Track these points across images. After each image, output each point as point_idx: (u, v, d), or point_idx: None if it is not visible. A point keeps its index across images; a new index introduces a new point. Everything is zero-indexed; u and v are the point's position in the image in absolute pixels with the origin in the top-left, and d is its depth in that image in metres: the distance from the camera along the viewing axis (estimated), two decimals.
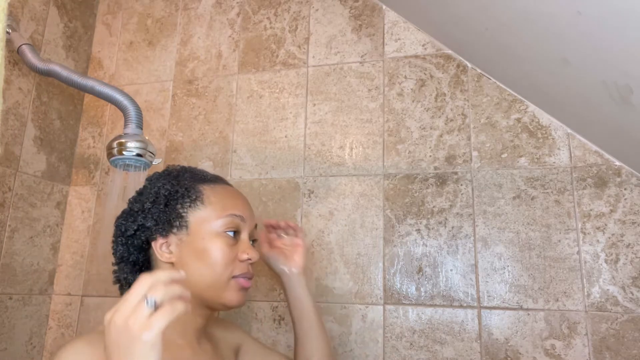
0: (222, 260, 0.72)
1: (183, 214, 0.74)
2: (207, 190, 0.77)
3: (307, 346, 0.87)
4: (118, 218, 0.78)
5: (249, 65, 1.31)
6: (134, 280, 0.70)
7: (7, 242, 1.15)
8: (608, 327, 0.96)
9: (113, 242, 0.77)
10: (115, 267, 0.78)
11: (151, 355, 0.50)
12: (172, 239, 0.74)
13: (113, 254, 0.77)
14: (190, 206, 0.75)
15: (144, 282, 0.53)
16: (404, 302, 1.07)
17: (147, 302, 0.51)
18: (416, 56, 1.19)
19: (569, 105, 1.02)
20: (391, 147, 1.16)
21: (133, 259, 0.76)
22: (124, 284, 0.77)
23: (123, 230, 0.76)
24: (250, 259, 0.75)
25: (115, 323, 0.52)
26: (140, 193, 0.79)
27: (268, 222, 0.95)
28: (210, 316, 0.78)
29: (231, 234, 0.75)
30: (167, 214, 0.74)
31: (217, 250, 0.72)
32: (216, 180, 0.81)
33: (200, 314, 0.75)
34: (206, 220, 0.74)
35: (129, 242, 0.76)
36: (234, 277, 0.74)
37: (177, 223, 0.74)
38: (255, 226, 0.81)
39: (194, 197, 0.75)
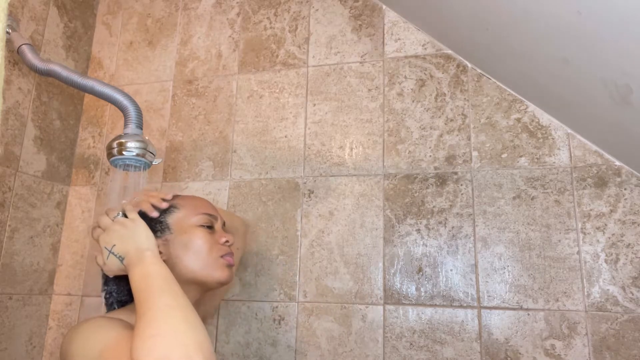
0: (206, 244, 0.84)
1: (162, 220, 0.85)
2: (175, 199, 0.89)
3: None
4: None
5: (249, 65, 1.31)
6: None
7: (7, 242, 1.15)
8: (608, 327, 0.96)
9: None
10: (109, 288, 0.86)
11: (144, 228, 0.78)
12: (159, 242, 0.83)
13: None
14: (166, 212, 0.85)
15: (102, 215, 0.81)
16: (404, 302, 1.07)
17: (118, 215, 0.81)
18: (416, 56, 1.19)
19: (569, 105, 1.02)
20: (391, 147, 1.16)
21: None
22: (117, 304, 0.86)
23: None
24: (228, 241, 0.88)
25: (113, 227, 0.78)
26: None
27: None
28: (199, 299, 0.89)
29: (207, 228, 0.87)
30: (149, 225, 0.83)
31: (199, 238, 0.84)
32: (177, 195, 0.93)
33: (191, 296, 0.84)
34: (184, 218, 0.86)
35: None
36: (221, 256, 0.86)
37: (159, 227, 0.84)
38: (224, 223, 0.93)
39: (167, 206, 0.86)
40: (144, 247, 0.74)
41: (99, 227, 0.80)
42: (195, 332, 0.61)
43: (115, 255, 0.76)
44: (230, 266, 0.87)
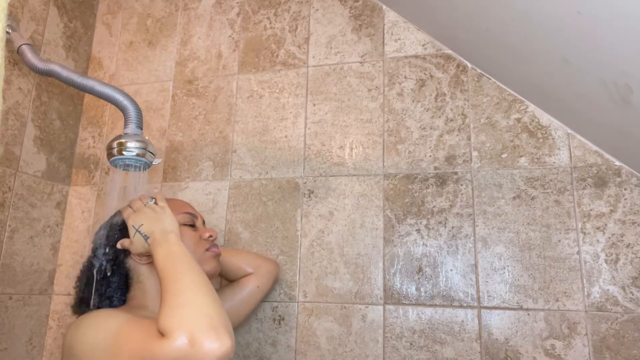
0: (192, 241, 0.89)
1: None
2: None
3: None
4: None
5: (249, 65, 1.31)
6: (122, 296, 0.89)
7: (7, 242, 1.15)
8: (608, 327, 0.96)
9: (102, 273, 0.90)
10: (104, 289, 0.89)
11: (171, 214, 0.85)
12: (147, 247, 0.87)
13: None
14: None
15: (134, 199, 0.89)
16: (404, 302, 1.07)
17: (151, 200, 0.88)
18: (416, 56, 1.19)
19: (569, 105, 1.02)
20: (391, 147, 1.16)
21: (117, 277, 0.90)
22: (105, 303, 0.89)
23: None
24: (211, 236, 0.93)
25: (144, 209, 0.85)
26: (99, 231, 0.93)
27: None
28: None
29: (189, 226, 0.92)
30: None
31: (184, 236, 0.87)
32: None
33: None
34: None
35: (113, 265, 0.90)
36: (206, 250, 0.91)
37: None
38: (204, 221, 0.98)
39: None
40: (169, 229, 0.82)
41: (130, 207, 0.88)
42: (217, 306, 0.66)
43: (141, 234, 0.82)
44: (216, 256, 0.92)
